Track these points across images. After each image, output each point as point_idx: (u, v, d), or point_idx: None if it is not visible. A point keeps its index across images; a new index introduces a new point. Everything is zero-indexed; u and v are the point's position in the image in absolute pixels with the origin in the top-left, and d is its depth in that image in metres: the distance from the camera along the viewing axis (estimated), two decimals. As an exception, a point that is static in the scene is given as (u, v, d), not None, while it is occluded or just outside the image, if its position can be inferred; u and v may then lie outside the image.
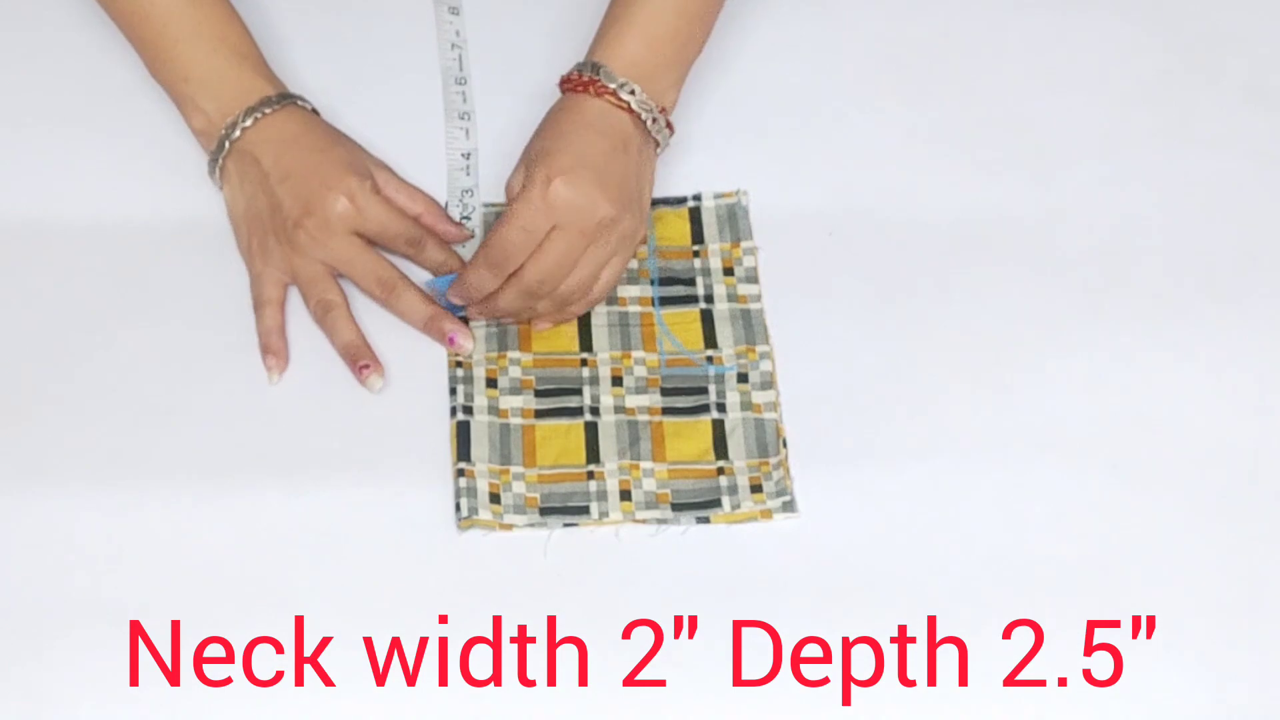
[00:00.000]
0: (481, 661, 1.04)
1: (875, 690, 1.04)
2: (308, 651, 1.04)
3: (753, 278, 1.20)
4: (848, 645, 1.05)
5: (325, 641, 1.04)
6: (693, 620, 1.06)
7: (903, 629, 1.06)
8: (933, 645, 1.05)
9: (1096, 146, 1.28)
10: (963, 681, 1.04)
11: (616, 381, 1.15)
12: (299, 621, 1.05)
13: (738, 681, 1.04)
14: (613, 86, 1.16)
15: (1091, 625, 1.06)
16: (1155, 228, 1.24)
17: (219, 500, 1.10)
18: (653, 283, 1.19)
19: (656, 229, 1.22)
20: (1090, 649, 1.06)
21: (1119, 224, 1.24)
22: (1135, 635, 1.06)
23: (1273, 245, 1.24)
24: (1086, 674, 1.05)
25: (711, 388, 1.15)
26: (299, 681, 1.03)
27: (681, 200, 1.23)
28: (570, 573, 1.08)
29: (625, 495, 1.11)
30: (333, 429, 1.13)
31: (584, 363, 1.16)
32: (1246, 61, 1.33)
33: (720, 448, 1.13)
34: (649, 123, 1.17)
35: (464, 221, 1.21)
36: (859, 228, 1.23)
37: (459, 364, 1.15)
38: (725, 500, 1.11)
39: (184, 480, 1.10)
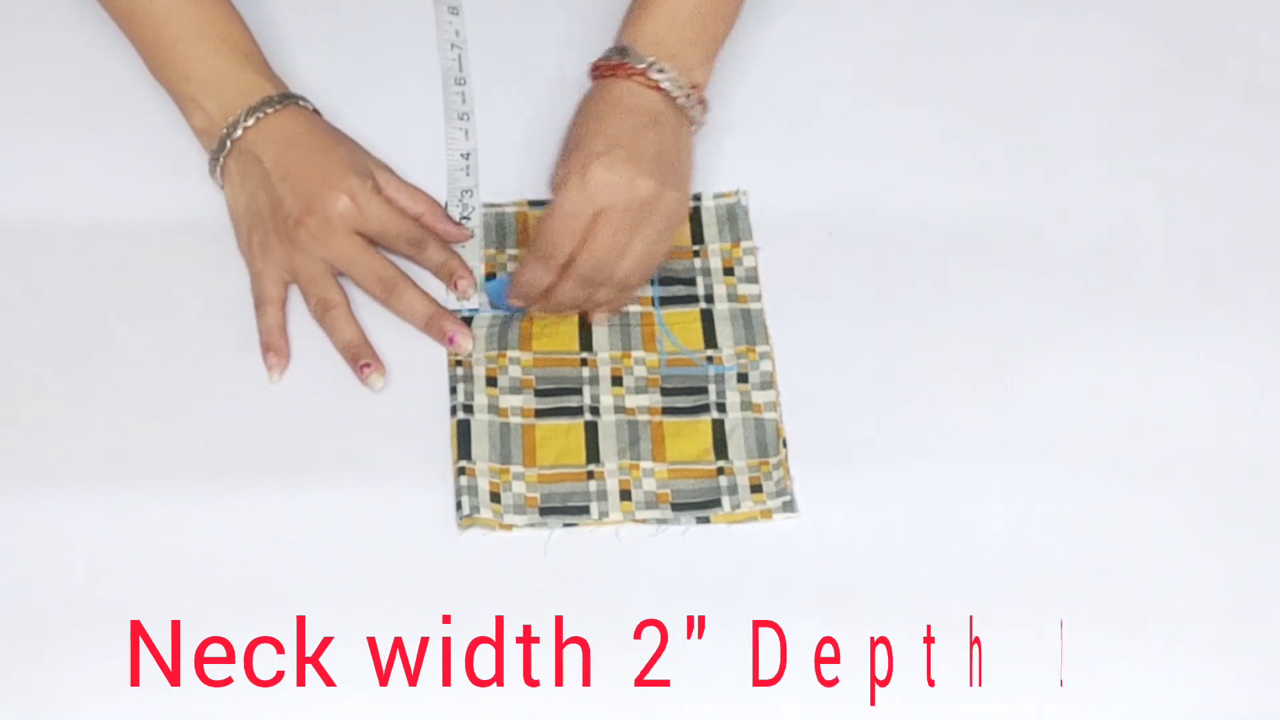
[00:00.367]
0: (481, 662, 1.04)
1: (875, 689, 1.04)
2: (308, 651, 1.04)
3: (753, 278, 1.20)
4: (848, 645, 1.05)
5: (326, 641, 1.04)
6: (692, 620, 1.06)
7: (903, 629, 1.06)
8: (932, 645, 1.05)
9: (1096, 146, 1.28)
10: (962, 681, 1.04)
11: (616, 381, 1.15)
12: (300, 621, 1.05)
13: (738, 681, 1.04)
14: (641, 66, 1.16)
15: (1091, 624, 1.06)
16: (1155, 227, 1.24)
17: (219, 500, 1.10)
18: (653, 282, 1.19)
19: (656, 229, 1.22)
20: (1090, 649, 1.06)
21: (1119, 224, 1.24)
22: (1135, 635, 1.06)
23: (1273, 245, 1.24)
24: (1086, 674, 1.05)
25: (711, 388, 1.15)
26: (300, 682, 1.03)
27: (682, 200, 1.24)
28: (570, 573, 1.08)
29: (625, 495, 1.11)
30: (333, 429, 1.13)
31: (584, 362, 1.16)
32: (1246, 61, 1.33)
33: (720, 448, 1.13)
34: (681, 99, 1.17)
35: (464, 222, 1.21)
36: (859, 228, 1.23)
37: (459, 363, 1.16)
38: (725, 500, 1.11)
39: (184, 480, 1.10)
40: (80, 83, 1.27)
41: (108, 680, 1.03)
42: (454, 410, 1.13)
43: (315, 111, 1.21)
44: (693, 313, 1.18)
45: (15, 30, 1.29)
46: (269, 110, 1.18)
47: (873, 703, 1.04)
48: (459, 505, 1.10)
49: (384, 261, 1.17)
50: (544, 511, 1.10)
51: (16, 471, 1.10)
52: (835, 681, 1.04)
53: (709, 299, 1.19)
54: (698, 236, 1.22)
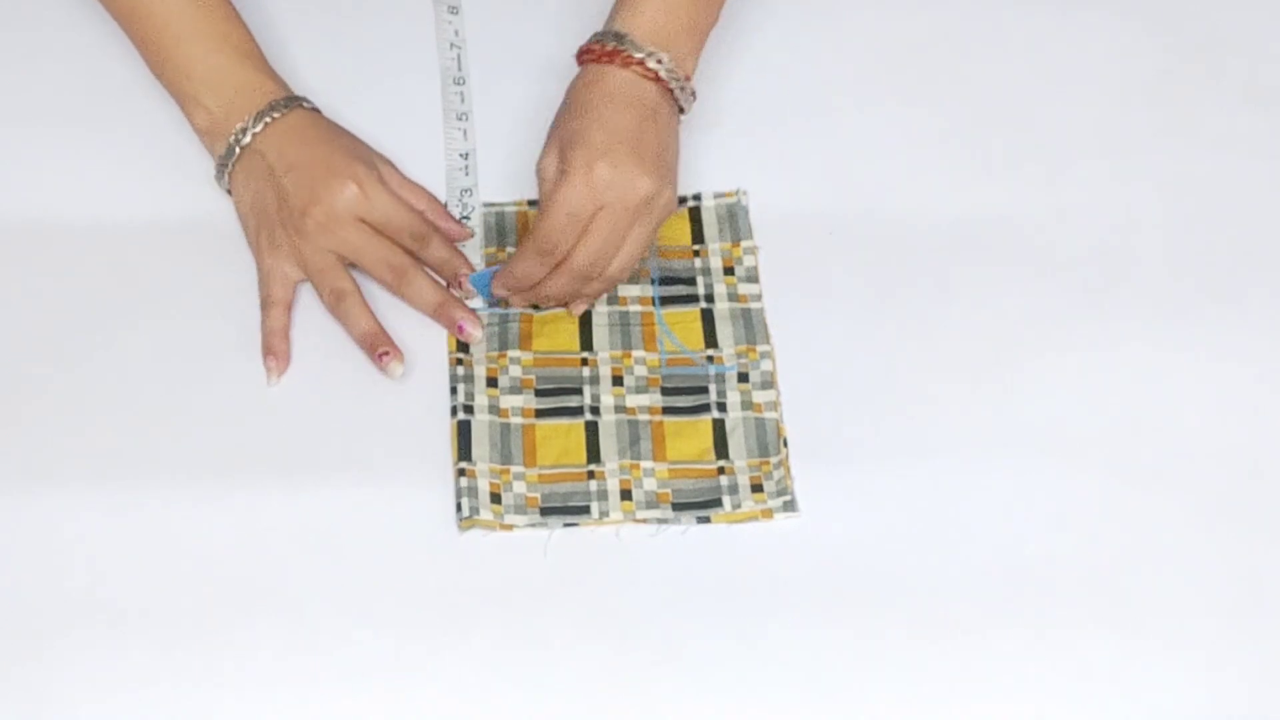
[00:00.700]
0: (482, 661, 1.04)
1: (876, 689, 1.04)
2: (308, 651, 1.04)
3: (753, 277, 1.20)
4: (848, 644, 1.05)
5: (326, 642, 1.04)
6: (693, 620, 1.06)
7: (903, 628, 1.06)
8: (932, 645, 1.05)
9: (1096, 146, 1.28)
10: (963, 680, 1.04)
11: (617, 381, 1.15)
12: (299, 621, 1.05)
13: (739, 681, 1.04)
14: (639, 56, 1.15)
15: (1091, 625, 1.06)
16: (1155, 227, 1.24)
17: (219, 500, 1.10)
18: (653, 282, 1.19)
19: (656, 228, 1.22)
20: (1090, 648, 1.06)
21: (1119, 223, 1.24)
22: (1135, 635, 1.06)
23: (1273, 245, 1.24)
24: (1086, 673, 1.05)
25: (712, 387, 1.15)
26: (299, 682, 1.03)
27: (681, 200, 1.23)
28: (571, 573, 1.08)
29: (626, 495, 1.11)
30: (333, 429, 1.13)
31: (584, 362, 1.16)
32: (1246, 61, 1.33)
33: (721, 447, 1.13)
34: (676, 90, 1.16)
35: (464, 221, 1.21)
36: (859, 228, 1.23)
37: (459, 362, 1.15)
38: (726, 500, 1.11)
39: (184, 480, 1.10)
40: (80, 83, 1.27)
41: (107, 680, 1.03)
42: (454, 410, 1.13)
43: (317, 111, 1.21)
44: (693, 312, 1.18)
45: (15, 30, 1.29)
46: (275, 115, 1.18)
47: (873, 702, 1.04)
48: (459, 507, 1.09)
49: (393, 248, 1.17)
50: (544, 511, 1.10)
51: (16, 471, 1.10)
52: (836, 681, 1.04)
53: (709, 298, 1.19)
54: (698, 236, 1.22)
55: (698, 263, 1.21)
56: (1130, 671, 1.05)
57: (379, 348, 1.14)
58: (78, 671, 1.03)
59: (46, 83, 1.27)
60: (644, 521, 1.10)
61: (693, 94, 1.18)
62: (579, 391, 1.15)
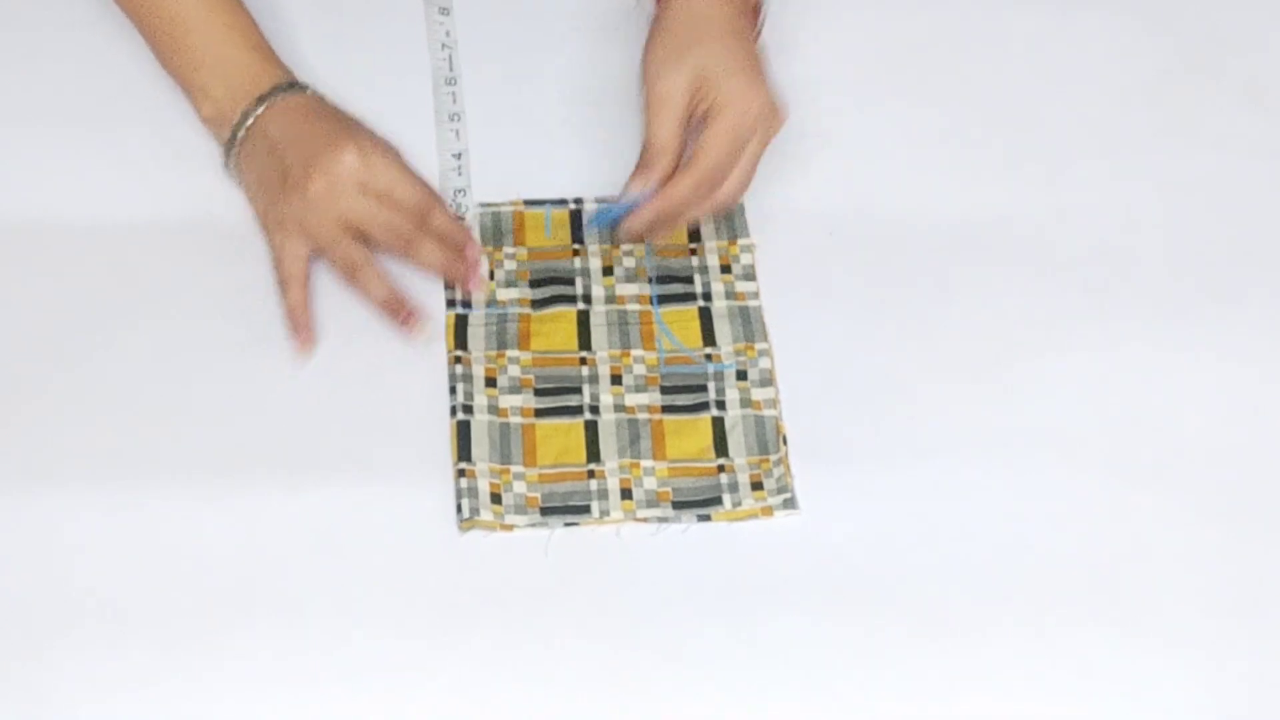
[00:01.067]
0: (482, 661, 1.04)
1: (876, 687, 1.04)
2: (308, 651, 1.04)
3: (750, 275, 1.20)
4: (849, 643, 1.05)
5: (326, 642, 1.04)
6: (694, 619, 1.06)
7: (903, 627, 1.06)
8: (933, 643, 1.05)
9: (1097, 146, 1.28)
10: (963, 679, 1.04)
11: (616, 380, 1.15)
12: (299, 621, 1.05)
13: (739, 680, 1.04)
14: None
15: (1091, 624, 1.06)
16: (1155, 227, 1.24)
17: (219, 500, 1.10)
18: (651, 281, 1.20)
19: (654, 227, 1.22)
20: (1090, 648, 1.06)
21: (1119, 223, 1.24)
22: (1135, 635, 1.06)
23: (1273, 245, 1.24)
24: (1086, 673, 1.05)
25: (711, 385, 1.15)
26: (299, 682, 1.03)
27: (679, 199, 1.24)
28: (571, 572, 1.08)
29: (626, 494, 1.11)
30: (333, 429, 1.13)
31: (583, 361, 1.16)
32: (1246, 61, 1.33)
33: (720, 445, 1.13)
34: (764, 11, 1.22)
35: (462, 209, 1.22)
36: (859, 228, 1.23)
37: (458, 360, 1.15)
38: (726, 498, 1.11)
39: (184, 480, 1.10)
40: (80, 83, 1.27)
41: (107, 680, 1.03)
42: (454, 410, 1.13)
43: (321, 97, 1.21)
44: (691, 311, 1.19)
45: (15, 30, 1.29)
46: (278, 98, 1.18)
47: (873, 701, 1.04)
48: (459, 508, 1.09)
49: (399, 215, 1.16)
50: (545, 511, 1.10)
51: (16, 471, 1.10)
52: (836, 679, 1.04)
53: (707, 297, 1.19)
54: (694, 234, 1.22)
55: (695, 261, 1.21)
56: (1130, 671, 1.05)
57: (400, 312, 1.14)
58: (78, 671, 1.03)
59: (46, 83, 1.27)
60: (644, 520, 1.10)
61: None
62: (578, 391, 1.15)
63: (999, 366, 1.17)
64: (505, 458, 1.12)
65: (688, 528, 1.10)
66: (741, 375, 1.16)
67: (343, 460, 1.12)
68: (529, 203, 1.23)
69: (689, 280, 1.20)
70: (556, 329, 1.18)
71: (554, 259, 1.21)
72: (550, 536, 1.09)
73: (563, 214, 1.23)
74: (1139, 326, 1.19)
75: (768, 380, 1.16)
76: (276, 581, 1.07)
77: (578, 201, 1.23)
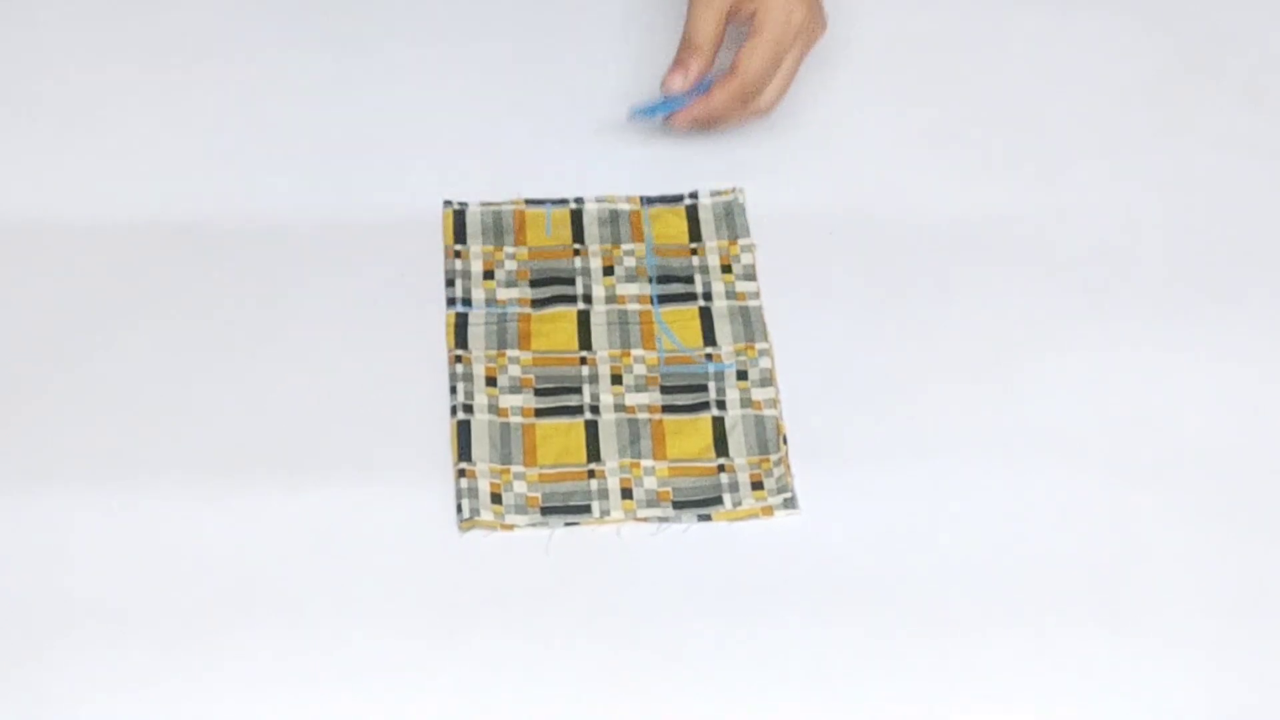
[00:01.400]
0: (482, 661, 1.04)
1: (876, 687, 1.04)
2: (308, 651, 1.04)
3: (750, 275, 1.20)
4: (849, 643, 1.05)
5: (326, 642, 1.04)
6: (694, 619, 1.06)
7: (903, 628, 1.06)
8: (933, 643, 1.05)
9: (1096, 146, 1.28)
10: (963, 679, 1.04)
11: (616, 380, 1.15)
12: (299, 621, 1.05)
13: (740, 680, 1.04)
14: None
15: (1091, 624, 1.06)
16: (1155, 227, 1.24)
17: (219, 500, 1.09)
18: (651, 281, 1.20)
19: (654, 227, 1.22)
20: (1090, 648, 1.06)
21: (1119, 223, 1.24)
22: (1135, 635, 1.06)
23: (1273, 245, 1.24)
24: (1086, 673, 1.05)
25: (711, 385, 1.15)
26: (299, 682, 1.03)
27: (678, 198, 1.24)
28: (572, 572, 1.08)
29: (626, 494, 1.11)
30: (333, 429, 1.13)
31: (583, 361, 1.16)
32: (1246, 61, 1.33)
33: (721, 445, 1.13)
34: None
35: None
36: (859, 227, 1.23)
37: (459, 359, 1.15)
38: (726, 497, 1.11)
39: (184, 480, 1.10)
40: (80, 83, 1.27)
41: (107, 680, 1.03)
42: (454, 410, 1.13)
43: None
44: (691, 310, 1.19)
45: (15, 30, 1.29)
46: None
47: (873, 701, 1.04)
48: (459, 509, 1.09)
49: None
50: (545, 511, 1.10)
51: (16, 471, 1.10)
52: (836, 679, 1.04)
53: (707, 296, 1.19)
54: (695, 234, 1.22)
55: (695, 261, 1.21)
56: (1130, 671, 1.05)
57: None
58: (78, 671, 1.03)
59: (46, 83, 1.27)
60: (645, 520, 1.10)
61: None
62: (578, 390, 1.15)
63: (999, 366, 1.17)
64: (505, 458, 1.12)
65: (688, 527, 1.10)
66: (742, 375, 1.16)
67: (343, 460, 1.12)
68: (530, 202, 1.23)
69: (689, 280, 1.20)
70: (557, 329, 1.18)
71: (555, 259, 1.21)
72: (550, 536, 1.09)
73: (563, 213, 1.23)
74: (1139, 326, 1.19)
75: (768, 380, 1.16)
76: (276, 581, 1.07)
77: (578, 201, 1.23)
